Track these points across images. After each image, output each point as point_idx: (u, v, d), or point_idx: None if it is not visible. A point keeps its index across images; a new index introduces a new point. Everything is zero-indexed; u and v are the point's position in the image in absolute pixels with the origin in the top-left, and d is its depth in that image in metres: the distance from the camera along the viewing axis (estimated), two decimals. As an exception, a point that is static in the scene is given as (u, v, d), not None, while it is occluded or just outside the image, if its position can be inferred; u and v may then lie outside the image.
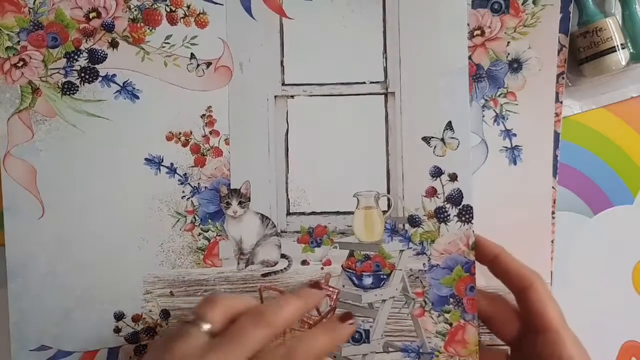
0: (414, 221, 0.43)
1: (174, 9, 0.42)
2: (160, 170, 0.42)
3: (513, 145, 0.44)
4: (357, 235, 0.43)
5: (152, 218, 0.42)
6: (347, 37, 0.43)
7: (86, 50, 0.41)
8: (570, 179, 0.44)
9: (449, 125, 0.43)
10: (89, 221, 0.42)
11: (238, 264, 0.43)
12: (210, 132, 0.43)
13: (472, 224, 0.43)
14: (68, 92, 0.41)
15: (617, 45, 0.42)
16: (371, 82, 0.43)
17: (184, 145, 0.42)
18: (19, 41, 0.41)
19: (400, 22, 0.43)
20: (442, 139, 0.43)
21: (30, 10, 0.41)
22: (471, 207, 0.43)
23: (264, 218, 0.42)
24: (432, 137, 0.43)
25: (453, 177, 0.43)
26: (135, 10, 0.42)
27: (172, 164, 0.42)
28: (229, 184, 0.42)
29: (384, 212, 0.43)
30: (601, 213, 0.45)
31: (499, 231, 0.43)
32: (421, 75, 0.43)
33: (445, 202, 0.42)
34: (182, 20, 0.42)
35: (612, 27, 0.42)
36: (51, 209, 0.41)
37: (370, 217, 0.43)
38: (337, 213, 0.43)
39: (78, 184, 0.42)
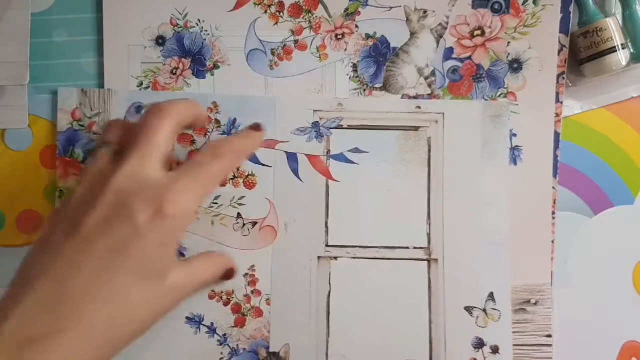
0: (456, 395, 0.41)
1: (223, 169, 0.43)
2: (200, 329, 0.42)
3: (513, 145, 0.43)
4: (397, 406, 0.42)
5: (189, 381, 0.41)
6: (391, 201, 0.43)
7: (137, 209, 0.42)
8: (570, 179, 0.43)
9: (491, 296, 0.42)
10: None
11: None
12: (252, 292, 0.43)
13: (516, 401, 0.41)
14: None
15: (618, 45, 0.41)
16: (414, 247, 0.43)
17: (225, 304, 0.42)
18: (75, 200, 0.42)
19: (444, 190, 0.43)
20: (484, 310, 0.42)
21: (89, 171, 0.42)
22: (515, 383, 0.41)
23: (301, 385, 0.41)
24: (474, 307, 0.42)
25: (495, 350, 0.42)
26: (187, 170, 0.43)
27: (212, 323, 0.42)
28: (268, 347, 0.42)
29: (426, 383, 0.42)
30: (601, 213, 0.44)
31: None
32: (463, 244, 0.43)
33: (489, 376, 0.41)
34: (230, 181, 0.43)
35: (613, 27, 0.41)
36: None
37: (410, 387, 0.42)
38: (377, 381, 0.42)
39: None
